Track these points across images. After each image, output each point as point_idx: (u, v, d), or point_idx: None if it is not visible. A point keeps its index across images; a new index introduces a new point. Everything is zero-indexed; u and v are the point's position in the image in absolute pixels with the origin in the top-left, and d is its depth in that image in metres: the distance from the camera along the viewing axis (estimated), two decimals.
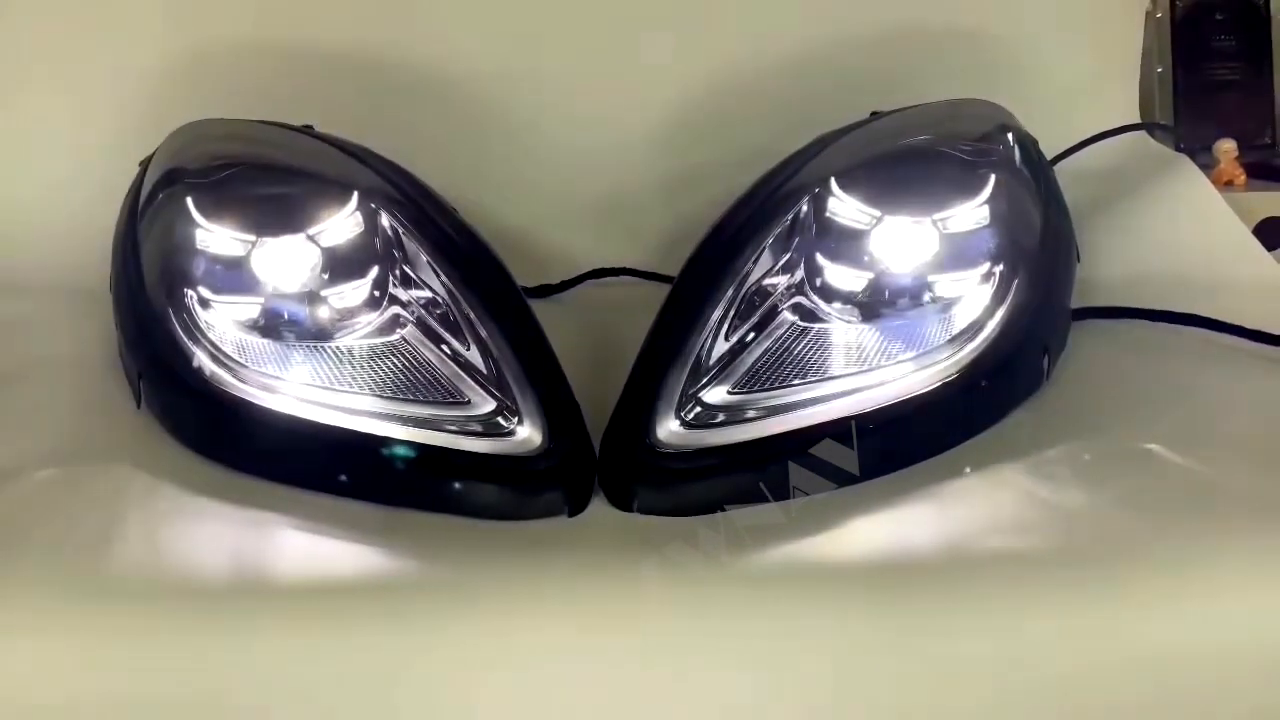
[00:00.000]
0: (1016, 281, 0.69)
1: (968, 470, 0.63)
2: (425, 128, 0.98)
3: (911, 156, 0.73)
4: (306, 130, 0.78)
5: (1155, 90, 1.05)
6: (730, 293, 0.66)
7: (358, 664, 0.52)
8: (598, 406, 0.63)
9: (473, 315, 0.64)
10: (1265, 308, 0.78)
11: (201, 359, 0.65)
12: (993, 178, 0.70)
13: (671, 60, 0.98)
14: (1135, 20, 1.04)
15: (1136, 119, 1.01)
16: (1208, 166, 0.96)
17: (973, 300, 0.68)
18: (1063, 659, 0.52)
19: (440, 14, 0.98)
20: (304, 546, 0.59)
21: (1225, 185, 0.97)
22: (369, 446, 0.61)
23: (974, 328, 0.67)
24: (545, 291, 0.90)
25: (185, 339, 0.65)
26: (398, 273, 0.66)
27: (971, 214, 0.68)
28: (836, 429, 0.61)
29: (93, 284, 0.76)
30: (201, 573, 0.56)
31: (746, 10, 0.98)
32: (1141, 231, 0.90)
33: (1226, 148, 0.98)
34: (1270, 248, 0.90)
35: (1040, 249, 0.73)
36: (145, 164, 0.77)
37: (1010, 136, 0.76)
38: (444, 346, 0.64)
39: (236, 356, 0.65)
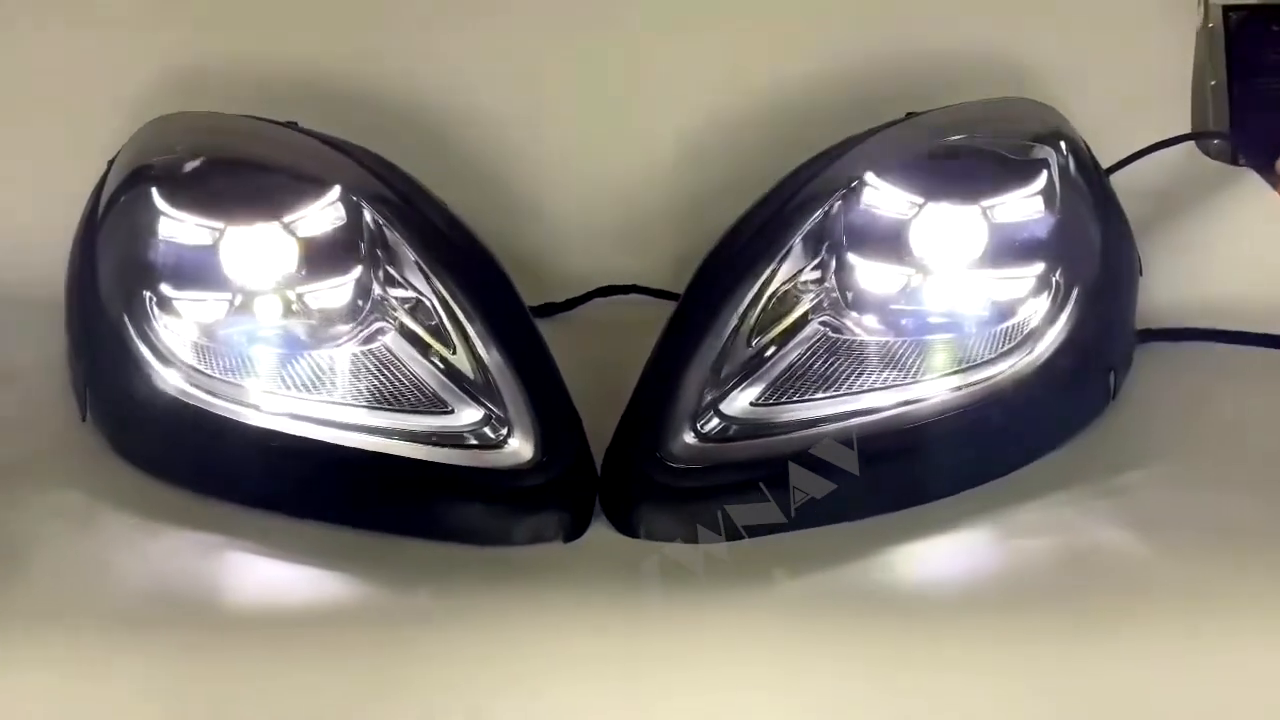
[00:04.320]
0: (1077, 290, 0.63)
1: None
2: (431, 146, 0.93)
3: (956, 149, 0.68)
4: (290, 126, 0.72)
5: (1209, 105, 0.99)
6: (752, 295, 0.60)
7: (303, 701, 0.47)
8: (604, 430, 0.58)
9: (461, 316, 0.58)
10: None
11: (155, 365, 0.59)
12: (1045, 172, 0.64)
13: (686, 76, 0.93)
14: (1186, 34, 0.98)
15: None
16: (1270, 184, 0.89)
17: (1028, 308, 0.62)
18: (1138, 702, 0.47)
19: (446, 33, 0.94)
20: (256, 573, 0.54)
21: None
22: (337, 459, 0.55)
23: (1030, 339, 0.61)
24: (552, 310, 0.84)
25: (139, 342, 0.60)
26: (380, 271, 0.61)
27: (1023, 206, 0.62)
28: (874, 447, 0.55)
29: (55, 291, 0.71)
30: (151, 604, 0.51)
31: (770, 25, 0.93)
32: (1205, 251, 0.85)
33: None
34: None
35: (1101, 257, 0.67)
36: (113, 161, 0.71)
37: (1063, 138, 0.70)
38: (427, 350, 0.58)
39: (196, 362, 0.59)
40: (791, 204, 0.64)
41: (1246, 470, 0.59)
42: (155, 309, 0.60)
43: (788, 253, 0.61)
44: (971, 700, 0.46)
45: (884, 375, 0.59)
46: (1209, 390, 0.69)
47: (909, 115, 0.74)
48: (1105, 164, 0.86)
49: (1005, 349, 0.61)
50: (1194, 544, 0.53)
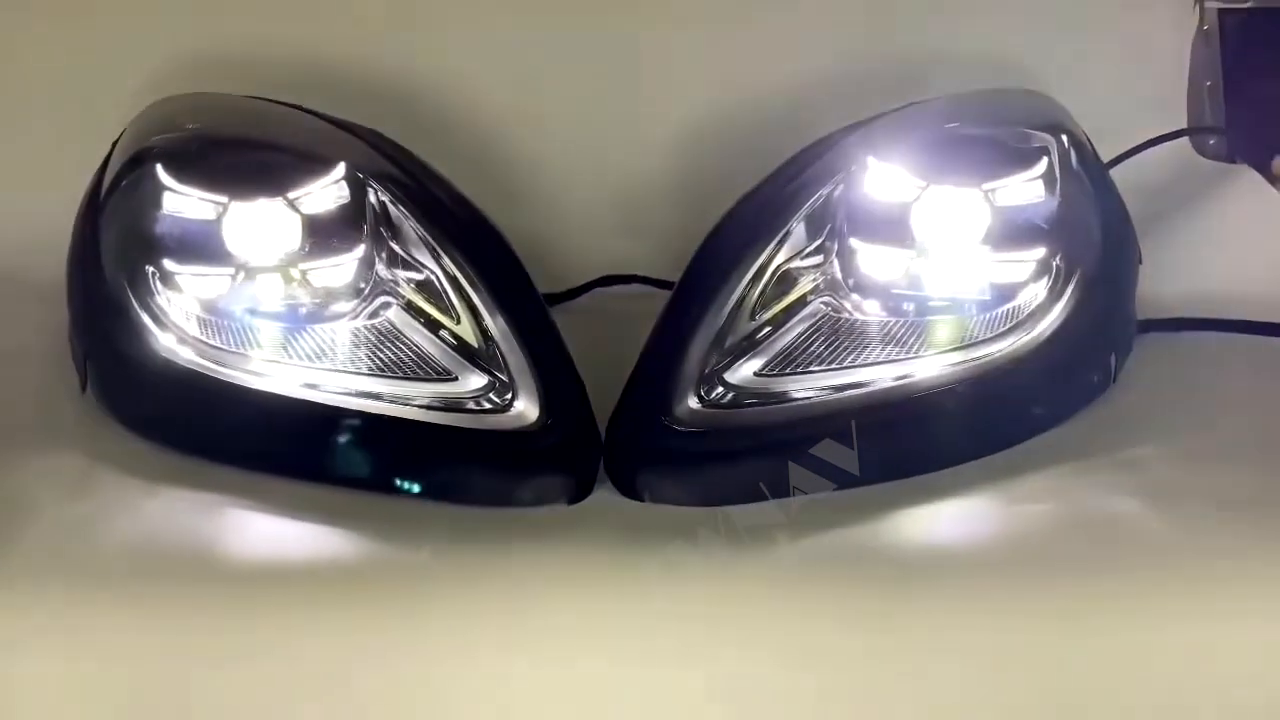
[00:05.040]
0: (1077, 274, 0.63)
1: None
2: (434, 136, 0.92)
3: (958, 134, 0.68)
4: (295, 108, 0.72)
5: (1206, 105, 0.99)
6: (755, 270, 0.60)
7: (314, 658, 0.46)
8: (605, 415, 0.57)
9: (465, 283, 0.58)
10: None
11: (157, 333, 0.59)
12: (1046, 158, 0.64)
13: (688, 66, 0.93)
14: (1184, 35, 0.98)
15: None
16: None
17: (1029, 292, 0.62)
18: (1120, 675, 0.47)
19: (448, 17, 0.94)
20: (262, 533, 0.53)
21: None
22: (342, 424, 0.54)
23: (1030, 320, 0.61)
24: (553, 299, 0.84)
25: (141, 313, 0.59)
26: (384, 247, 0.60)
27: (1025, 190, 0.62)
28: (874, 417, 0.55)
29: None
30: (152, 563, 0.50)
31: (772, 17, 0.93)
32: (1205, 245, 0.85)
33: None
34: None
35: (1101, 242, 0.67)
36: (117, 142, 0.71)
37: (1064, 128, 0.70)
38: (431, 322, 0.58)
39: (198, 332, 0.59)
40: (795, 184, 0.64)
41: (1245, 448, 0.59)
42: (158, 283, 0.60)
43: (789, 232, 0.61)
44: (970, 664, 0.46)
45: (885, 351, 0.59)
46: (1208, 375, 0.69)
47: (910, 105, 0.75)
48: (1105, 159, 0.87)
49: (1004, 329, 0.61)
50: (1193, 514, 0.53)
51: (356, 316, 0.59)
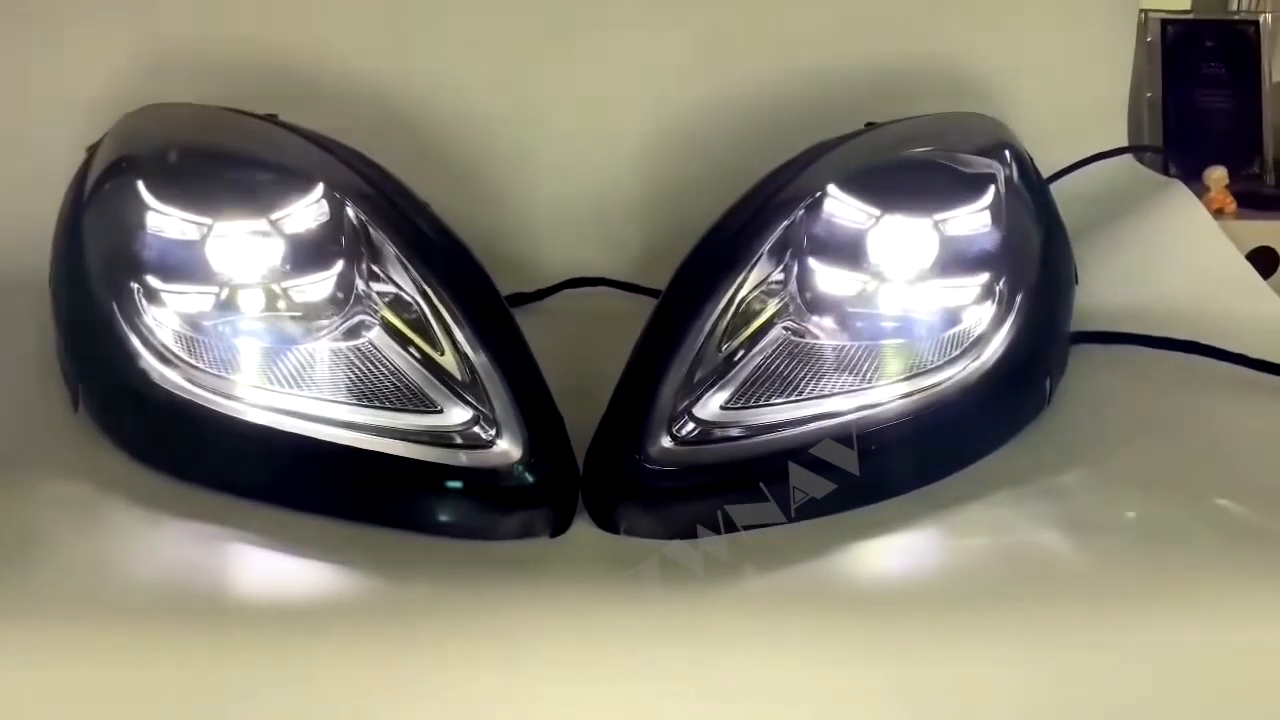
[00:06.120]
0: (1019, 299, 0.66)
1: None
2: (402, 136, 0.93)
3: (910, 164, 0.71)
4: (270, 119, 0.73)
5: (1145, 116, 1.04)
6: (723, 303, 0.62)
7: (306, 693, 0.48)
8: (576, 422, 0.60)
9: (448, 317, 0.59)
10: (1263, 336, 0.76)
11: (146, 357, 0.60)
12: (993, 188, 0.67)
13: (655, 73, 0.95)
14: (1126, 46, 1.02)
15: (1126, 144, 0.99)
16: (1197, 194, 0.94)
17: (974, 317, 0.65)
18: (1054, 693, 0.51)
19: (417, 27, 0.94)
20: (255, 565, 0.55)
21: (1216, 213, 0.95)
22: (330, 456, 0.56)
23: (976, 346, 0.65)
24: (520, 300, 0.86)
25: (130, 335, 0.60)
26: (365, 269, 0.62)
27: (972, 220, 0.66)
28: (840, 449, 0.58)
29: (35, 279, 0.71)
30: (143, 593, 0.52)
31: (736, 26, 0.95)
32: (1135, 257, 0.88)
33: (1218, 175, 0.97)
34: (1263, 277, 0.88)
35: (1041, 266, 0.70)
36: (93, 150, 0.72)
37: (1008, 152, 0.74)
38: (415, 350, 0.59)
39: (185, 355, 0.60)
40: (761, 214, 0.66)
41: (1168, 470, 0.63)
42: (144, 301, 0.61)
43: (755, 263, 0.63)
44: (917, 689, 0.50)
45: (843, 379, 0.61)
46: (1137, 394, 0.72)
47: (868, 125, 0.77)
48: (1045, 173, 0.91)
49: (953, 355, 0.64)
50: (1121, 543, 0.56)
51: (340, 338, 0.60)
